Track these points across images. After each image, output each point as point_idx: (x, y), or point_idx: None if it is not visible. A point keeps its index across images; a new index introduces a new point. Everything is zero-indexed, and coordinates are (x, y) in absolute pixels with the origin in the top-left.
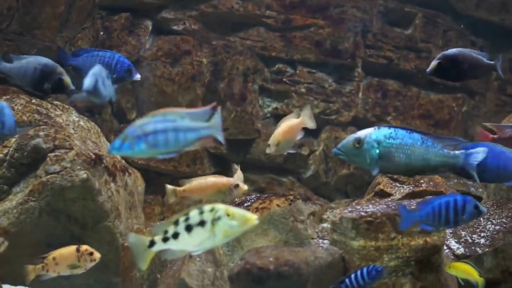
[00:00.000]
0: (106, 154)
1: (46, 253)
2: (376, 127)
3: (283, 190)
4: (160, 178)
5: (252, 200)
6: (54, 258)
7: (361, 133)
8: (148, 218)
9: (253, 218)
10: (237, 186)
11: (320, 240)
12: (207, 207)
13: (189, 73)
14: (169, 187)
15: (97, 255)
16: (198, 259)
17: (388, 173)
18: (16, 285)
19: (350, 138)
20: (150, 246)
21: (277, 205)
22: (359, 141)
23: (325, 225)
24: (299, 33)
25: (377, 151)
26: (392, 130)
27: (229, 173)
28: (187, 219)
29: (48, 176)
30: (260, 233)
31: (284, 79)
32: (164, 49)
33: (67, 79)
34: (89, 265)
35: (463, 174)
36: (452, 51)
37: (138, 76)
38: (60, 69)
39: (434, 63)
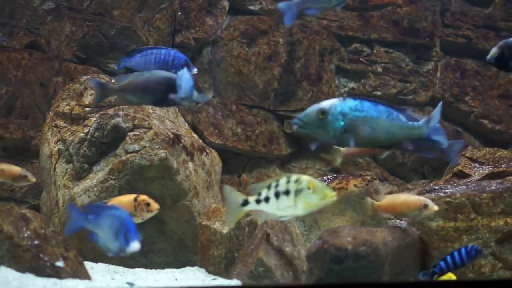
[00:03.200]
0: (184, 134)
1: None
2: (341, 98)
3: (359, 171)
4: (236, 157)
5: (329, 180)
6: None
7: (326, 104)
8: None
9: (331, 194)
10: (426, 206)
11: (398, 221)
12: (293, 177)
13: (265, 53)
14: (369, 199)
15: (154, 206)
16: (275, 238)
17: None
18: (96, 262)
19: (313, 108)
20: (243, 205)
21: (354, 185)
22: (323, 112)
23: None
24: (377, 12)
25: (342, 123)
26: (358, 102)
27: (303, 153)
28: (276, 186)
29: (128, 155)
30: (337, 213)
31: (361, 59)
32: (240, 29)
33: None
34: (146, 215)
35: (426, 146)
36: None
37: (195, 70)
38: None
39: (494, 50)
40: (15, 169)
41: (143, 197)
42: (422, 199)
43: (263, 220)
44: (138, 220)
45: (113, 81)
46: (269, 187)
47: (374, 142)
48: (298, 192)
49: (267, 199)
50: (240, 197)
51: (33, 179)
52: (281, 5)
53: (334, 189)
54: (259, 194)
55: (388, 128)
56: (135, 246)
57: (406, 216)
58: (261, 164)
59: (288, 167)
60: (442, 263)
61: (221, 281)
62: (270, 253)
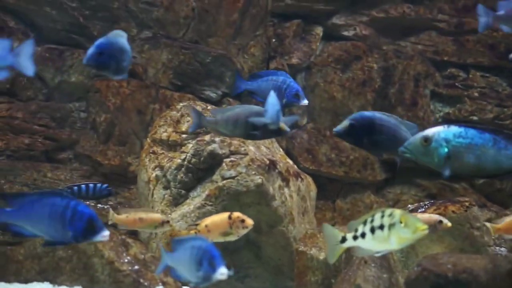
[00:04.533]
0: (279, 159)
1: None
2: (445, 125)
3: (456, 197)
4: (331, 183)
5: (426, 207)
6: (206, 226)
7: (430, 131)
8: (320, 224)
9: (423, 227)
10: None
11: (497, 248)
12: (388, 211)
13: (359, 78)
14: (488, 225)
15: (249, 222)
16: (373, 264)
17: (457, 174)
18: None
19: (417, 136)
20: (342, 242)
21: (453, 211)
22: (426, 139)
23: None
24: (472, 37)
25: (446, 150)
26: (462, 129)
27: (399, 178)
28: (372, 221)
29: (224, 181)
30: (435, 240)
31: (456, 84)
32: (334, 55)
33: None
34: (242, 232)
35: None
36: None
37: (305, 102)
38: None
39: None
40: (156, 216)
41: (237, 214)
42: None
43: (361, 255)
44: (233, 238)
45: (209, 108)
46: (365, 222)
47: (479, 170)
48: (391, 226)
49: (363, 235)
50: (339, 234)
51: (174, 224)
52: (480, 8)
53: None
54: (356, 230)
55: (494, 157)
56: (222, 271)
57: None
58: (356, 190)
59: (383, 193)
60: None
61: None
62: (368, 280)
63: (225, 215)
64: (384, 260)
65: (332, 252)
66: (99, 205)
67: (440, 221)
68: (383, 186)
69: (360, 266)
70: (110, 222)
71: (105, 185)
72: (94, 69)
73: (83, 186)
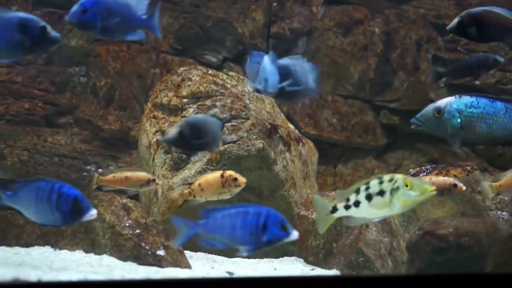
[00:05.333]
0: (281, 124)
1: None
2: (457, 96)
3: (457, 161)
4: (332, 148)
5: (428, 171)
6: (200, 184)
7: (441, 102)
8: (321, 189)
9: (431, 188)
10: None
11: (499, 212)
12: (386, 177)
13: (361, 43)
14: (486, 184)
15: (241, 180)
16: (374, 229)
17: (469, 142)
18: (195, 251)
19: (429, 107)
20: (332, 212)
21: (454, 175)
22: (439, 110)
23: (502, 196)
24: (475, 1)
25: (458, 120)
26: (474, 99)
27: (400, 144)
28: (367, 188)
29: (226, 146)
30: (436, 204)
31: (459, 48)
32: (336, 19)
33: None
34: (234, 190)
35: None
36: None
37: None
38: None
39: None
40: (142, 174)
41: (230, 172)
42: None
43: (353, 225)
44: (227, 196)
45: (209, 72)
46: (357, 191)
47: (491, 139)
48: (394, 191)
49: (357, 204)
50: (329, 204)
51: (160, 182)
52: None
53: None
54: (348, 199)
55: (506, 125)
56: (295, 234)
57: None
58: (357, 155)
59: (384, 158)
60: None
61: (319, 271)
62: (370, 244)
63: (217, 173)
64: (386, 225)
65: (322, 222)
66: (100, 170)
67: (455, 185)
68: (385, 151)
69: (361, 230)
70: (94, 186)
71: None
72: (76, 27)
73: None
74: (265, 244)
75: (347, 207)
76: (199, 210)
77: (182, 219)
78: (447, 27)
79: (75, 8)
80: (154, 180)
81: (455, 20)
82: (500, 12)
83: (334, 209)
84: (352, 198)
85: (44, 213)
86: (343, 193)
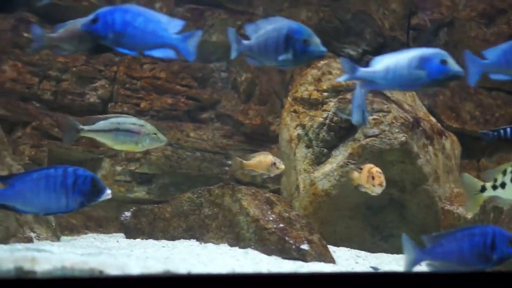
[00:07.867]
0: (423, 117)
1: (365, 216)
2: None
3: None
4: (475, 142)
5: None
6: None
7: None
8: None
9: None
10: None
11: None
12: None
13: (505, 33)
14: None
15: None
16: None
17: None
18: (337, 246)
19: None
20: (481, 191)
21: None
22: None
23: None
24: None
25: None
26: None
27: None
28: None
29: (367, 139)
30: None
31: None
32: (478, 9)
33: None
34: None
35: None
36: None
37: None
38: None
39: None
40: (269, 158)
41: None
42: None
43: (501, 206)
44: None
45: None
46: (504, 172)
47: None
48: None
49: (503, 185)
50: (478, 183)
51: (282, 166)
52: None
53: None
54: (495, 180)
55: None
56: None
57: None
58: (503, 148)
59: None
60: None
61: None
62: None
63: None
64: None
65: (471, 202)
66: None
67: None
68: None
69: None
70: (238, 171)
71: None
72: (86, 35)
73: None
74: (496, 263)
75: (494, 188)
76: (424, 237)
77: (413, 243)
78: None
79: (89, 16)
80: (275, 163)
81: None
82: None
83: (483, 189)
84: (499, 179)
85: (55, 200)
86: (490, 173)
